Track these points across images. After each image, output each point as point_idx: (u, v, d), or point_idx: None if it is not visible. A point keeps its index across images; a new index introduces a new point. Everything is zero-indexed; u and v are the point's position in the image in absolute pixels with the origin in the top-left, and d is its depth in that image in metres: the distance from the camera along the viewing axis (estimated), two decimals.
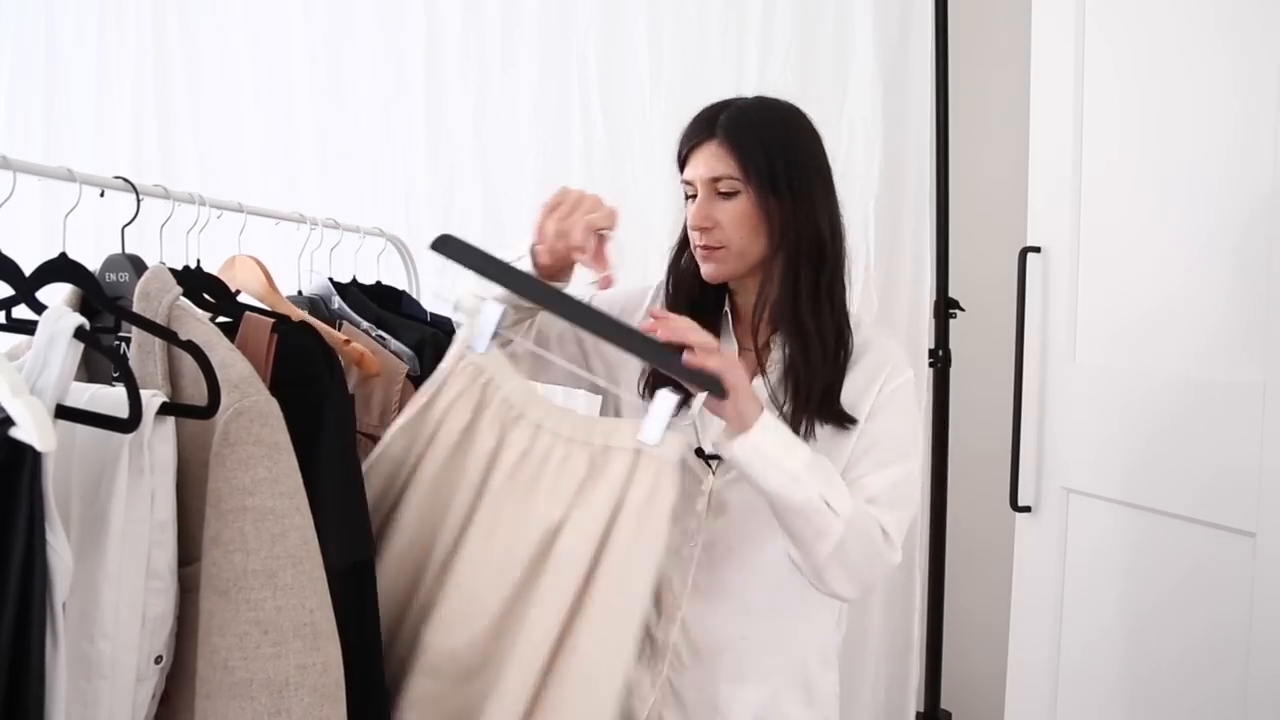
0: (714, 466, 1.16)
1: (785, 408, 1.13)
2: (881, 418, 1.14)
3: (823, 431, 1.13)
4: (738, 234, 1.13)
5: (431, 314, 1.54)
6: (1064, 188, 1.49)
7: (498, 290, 1.04)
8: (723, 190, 1.13)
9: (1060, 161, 1.50)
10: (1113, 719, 1.37)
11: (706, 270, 1.16)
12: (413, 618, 1.03)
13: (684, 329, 0.99)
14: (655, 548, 0.96)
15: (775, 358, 1.17)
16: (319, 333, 1.08)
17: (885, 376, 1.15)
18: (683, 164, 1.17)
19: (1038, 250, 1.54)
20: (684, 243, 1.21)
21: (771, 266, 1.15)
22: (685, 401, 0.98)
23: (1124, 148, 1.39)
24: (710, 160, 1.13)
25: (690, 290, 1.21)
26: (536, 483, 0.99)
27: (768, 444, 1.00)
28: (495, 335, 1.03)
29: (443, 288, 1.06)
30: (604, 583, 0.97)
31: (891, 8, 1.94)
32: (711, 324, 1.17)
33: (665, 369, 0.98)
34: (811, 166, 1.16)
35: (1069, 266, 1.48)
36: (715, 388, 0.97)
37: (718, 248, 1.14)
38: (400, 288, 1.60)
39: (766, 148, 1.13)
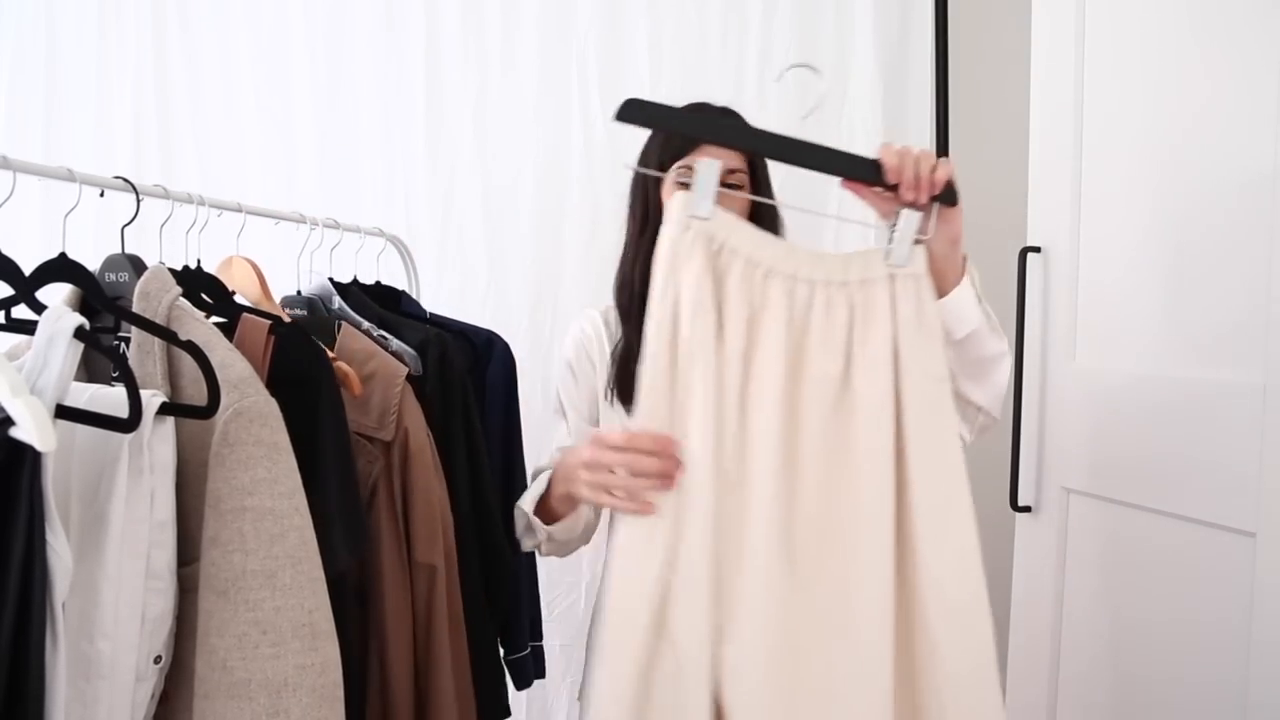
0: None
1: None
2: None
3: None
4: None
5: (431, 314, 1.54)
6: (1064, 188, 1.49)
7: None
8: (730, 183, 1.19)
9: (1060, 161, 1.50)
10: (1112, 718, 1.37)
11: None
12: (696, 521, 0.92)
13: (911, 154, 0.98)
14: (938, 357, 0.96)
15: None
16: (305, 334, 1.08)
17: None
18: (680, 153, 1.20)
19: (1038, 250, 1.54)
20: (641, 244, 1.23)
21: None
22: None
23: (1124, 147, 1.39)
24: (724, 153, 1.17)
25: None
26: (807, 338, 0.95)
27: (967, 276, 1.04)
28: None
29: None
30: (913, 413, 0.94)
31: (891, 8, 1.94)
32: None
33: (887, 188, 0.98)
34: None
35: (1069, 266, 1.48)
36: (952, 197, 0.99)
37: None
38: (400, 288, 1.60)
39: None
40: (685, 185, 1.17)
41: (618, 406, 1.26)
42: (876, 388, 0.94)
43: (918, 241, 0.97)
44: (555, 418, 1.31)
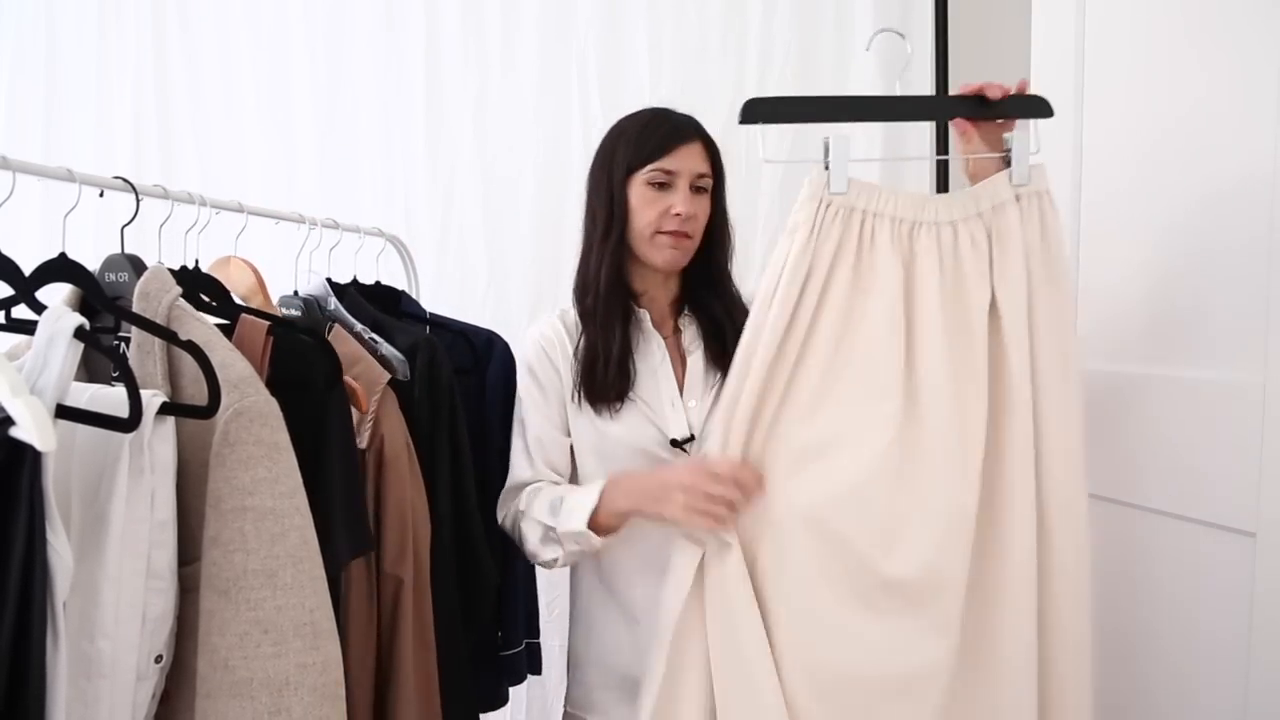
0: (689, 449, 1.26)
1: (716, 379, 1.27)
2: None
3: None
4: (702, 226, 1.29)
5: (431, 314, 1.54)
6: (1064, 187, 1.48)
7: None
8: (699, 186, 1.28)
9: (1060, 162, 1.50)
10: (1112, 718, 1.37)
11: (673, 258, 1.28)
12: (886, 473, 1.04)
13: (991, 84, 1.09)
14: (1064, 281, 1.05)
15: (692, 335, 1.32)
16: (321, 337, 1.08)
17: None
18: (655, 155, 1.26)
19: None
20: (606, 246, 1.27)
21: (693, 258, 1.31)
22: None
23: (1124, 148, 1.39)
24: (696, 158, 1.28)
25: (622, 292, 1.29)
26: (961, 274, 1.03)
27: None
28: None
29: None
30: (1038, 336, 1.03)
31: (891, 8, 1.94)
32: (625, 329, 1.28)
33: (998, 114, 1.07)
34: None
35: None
36: (1046, 109, 1.08)
37: (687, 237, 1.27)
38: (400, 288, 1.60)
39: (719, 156, 1.32)
40: (660, 186, 1.21)
41: (586, 409, 1.28)
42: (1017, 311, 1.03)
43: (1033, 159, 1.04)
44: (516, 426, 1.33)
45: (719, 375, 1.28)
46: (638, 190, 1.26)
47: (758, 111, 1.05)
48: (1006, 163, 1.07)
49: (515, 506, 1.28)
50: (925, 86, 1.94)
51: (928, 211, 1.04)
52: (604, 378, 1.26)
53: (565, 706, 1.39)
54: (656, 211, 1.25)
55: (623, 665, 1.28)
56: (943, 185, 1.78)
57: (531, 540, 1.24)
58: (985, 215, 1.05)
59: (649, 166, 1.25)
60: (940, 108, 1.09)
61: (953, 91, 1.13)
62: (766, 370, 1.04)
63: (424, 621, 1.16)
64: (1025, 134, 1.04)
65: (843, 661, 1.06)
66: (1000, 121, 1.10)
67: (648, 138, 1.27)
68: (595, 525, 1.17)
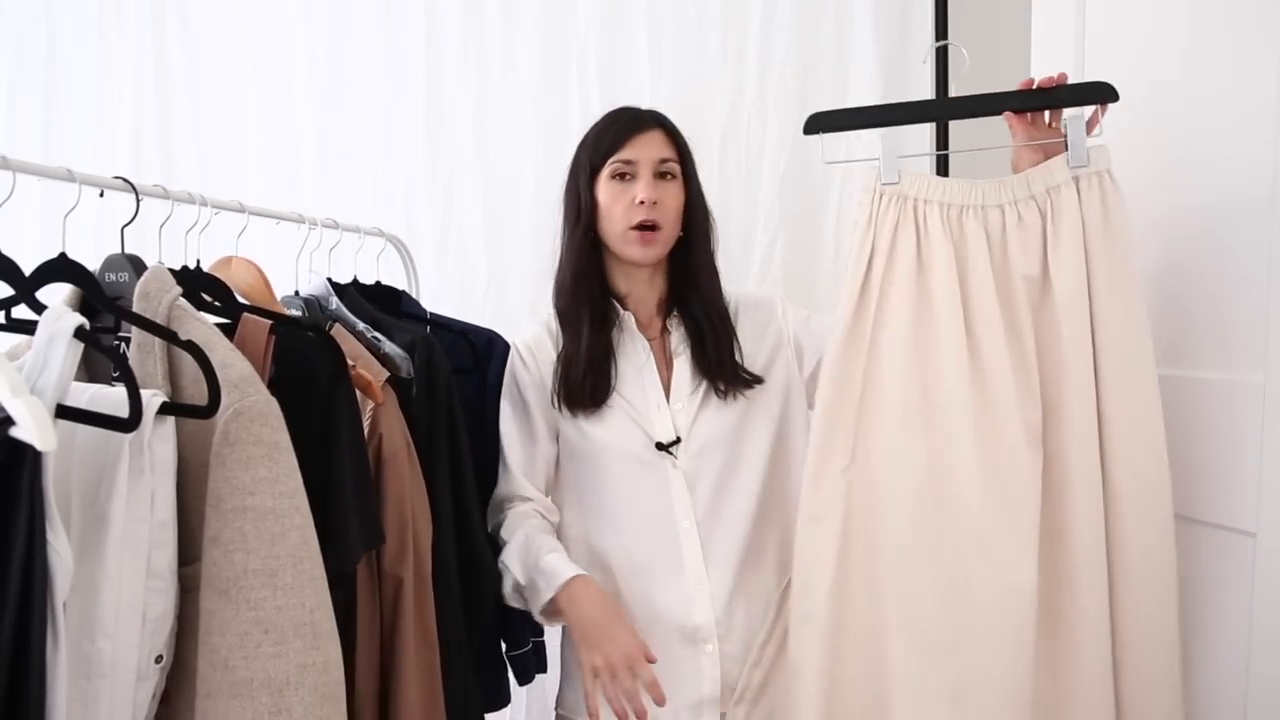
0: (674, 452, 1.26)
1: (702, 382, 1.28)
2: (814, 320, 1.36)
3: (741, 392, 1.29)
4: (672, 214, 1.28)
5: (432, 314, 1.54)
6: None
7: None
8: (662, 172, 1.27)
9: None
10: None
11: (645, 253, 1.28)
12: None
13: (1047, 77, 1.16)
14: (1130, 255, 1.09)
15: (679, 337, 1.32)
16: (326, 334, 1.08)
17: (770, 314, 1.36)
18: (613, 149, 1.27)
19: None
20: (573, 244, 1.30)
21: (672, 252, 1.31)
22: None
23: (1123, 148, 1.39)
24: (657, 144, 1.28)
25: (595, 292, 1.30)
26: (1008, 253, 1.11)
27: None
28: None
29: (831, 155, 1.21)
30: (1101, 307, 1.09)
31: (891, 8, 1.94)
32: (604, 330, 1.29)
33: (1061, 103, 1.14)
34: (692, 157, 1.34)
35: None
36: (1112, 94, 1.13)
37: (655, 229, 1.26)
38: (400, 288, 1.60)
39: (684, 142, 1.32)
40: (623, 177, 1.21)
41: (565, 413, 1.29)
42: (1070, 280, 1.09)
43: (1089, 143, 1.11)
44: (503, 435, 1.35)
45: (705, 380, 1.29)
46: (604, 188, 1.27)
47: (821, 123, 1.19)
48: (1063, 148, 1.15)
49: (499, 533, 1.31)
50: (925, 87, 1.93)
51: (975, 196, 1.14)
52: (579, 381, 1.27)
53: (556, 710, 1.38)
54: (623, 204, 1.25)
55: None
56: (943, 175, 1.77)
57: (507, 586, 1.28)
58: (1039, 198, 1.13)
59: (611, 160, 1.26)
60: (999, 102, 1.16)
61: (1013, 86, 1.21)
62: (840, 361, 1.16)
63: (426, 620, 1.15)
64: (1081, 119, 1.11)
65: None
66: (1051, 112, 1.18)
67: (605, 134, 1.29)
68: (551, 606, 1.22)
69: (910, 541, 1.14)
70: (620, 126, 1.28)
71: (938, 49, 1.82)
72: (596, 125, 1.32)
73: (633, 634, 1.17)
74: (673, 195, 1.28)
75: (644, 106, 1.36)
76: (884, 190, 1.16)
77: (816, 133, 1.18)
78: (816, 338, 1.33)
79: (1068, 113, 1.15)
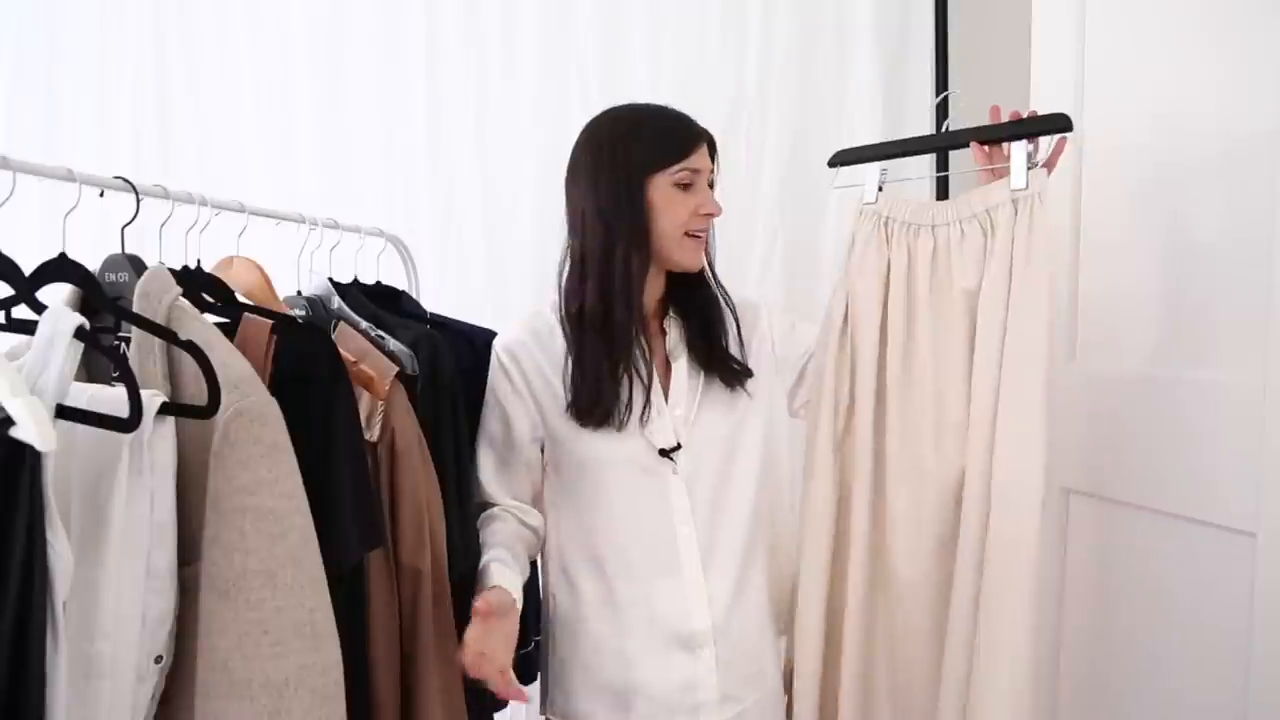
0: (675, 459, 1.25)
1: (700, 382, 1.29)
2: (800, 326, 1.39)
3: (733, 394, 1.30)
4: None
5: (432, 314, 1.54)
6: (1064, 187, 1.48)
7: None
8: (710, 184, 1.29)
9: (1060, 164, 1.49)
10: (1112, 718, 1.37)
11: (698, 261, 1.29)
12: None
13: (1006, 111, 1.24)
14: (1041, 274, 1.16)
15: (676, 339, 1.32)
16: (323, 333, 1.08)
17: (756, 318, 1.38)
18: (681, 155, 1.24)
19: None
20: (634, 250, 1.24)
21: None
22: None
23: (1124, 148, 1.39)
24: (707, 157, 1.28)
25: (639, 305, 1.26)
26: (950, 266, 1.23)
27: None
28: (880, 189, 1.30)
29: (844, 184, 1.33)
30: (1011, 322, 1.18)
31: (891, 8, 1.94)
32: (631, 351, 1.26)
33: (1021, 132, 1.20)
34: None
35: (1069, 266, 1.48)
36: (1066, 124, 1.18)
37: (701, 236, 1.29)
38: (401, 288, 1.60)
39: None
40: (686, 187, 1.21)
41: (572, 423, 1.24)
42: (992, 291, 1.19)
43: (1030, 166, 1.19)
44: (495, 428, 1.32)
45: (702, 380, 1.29)
46: (663, 192, 1.23)
47: (846, 157, 1.33)
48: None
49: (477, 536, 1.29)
50: (925, 87, 1.94)
51: (928, 216, 1.26)
52: (604, 397, 1.22)
53: (545, 714, 1.37)
54: (687, 211, 1.24)
55: (610, 673, 1.27)
56: (943, 198, 1.78)
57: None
58: (979, 216, 1.22)
59: (677, 166, 1.23)
60: (980, 134, 1.28)
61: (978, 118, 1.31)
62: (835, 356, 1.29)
63: (445, 611, 1.16)
64: (1023, 148, 1.20)
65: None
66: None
67: (669, 137, 1.24)
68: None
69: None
70: (685, 134, 1.25)
71: (936, 50, 1.83)
72: (643, 124, 1.26)
73: (497, 641, 1.11)
74: (711, 201, 1.29)
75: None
76: (864, 210, 1.30)
77: (842, 165, 1.33)
78: (799, 348, 1.37)
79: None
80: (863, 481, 1.26)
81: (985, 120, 1.29)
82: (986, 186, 1.23)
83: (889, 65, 1.94)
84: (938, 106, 1.80)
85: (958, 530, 1.21)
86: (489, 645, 1.08)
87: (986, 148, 1.25)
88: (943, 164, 1.72)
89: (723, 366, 1.29)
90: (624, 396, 1.23)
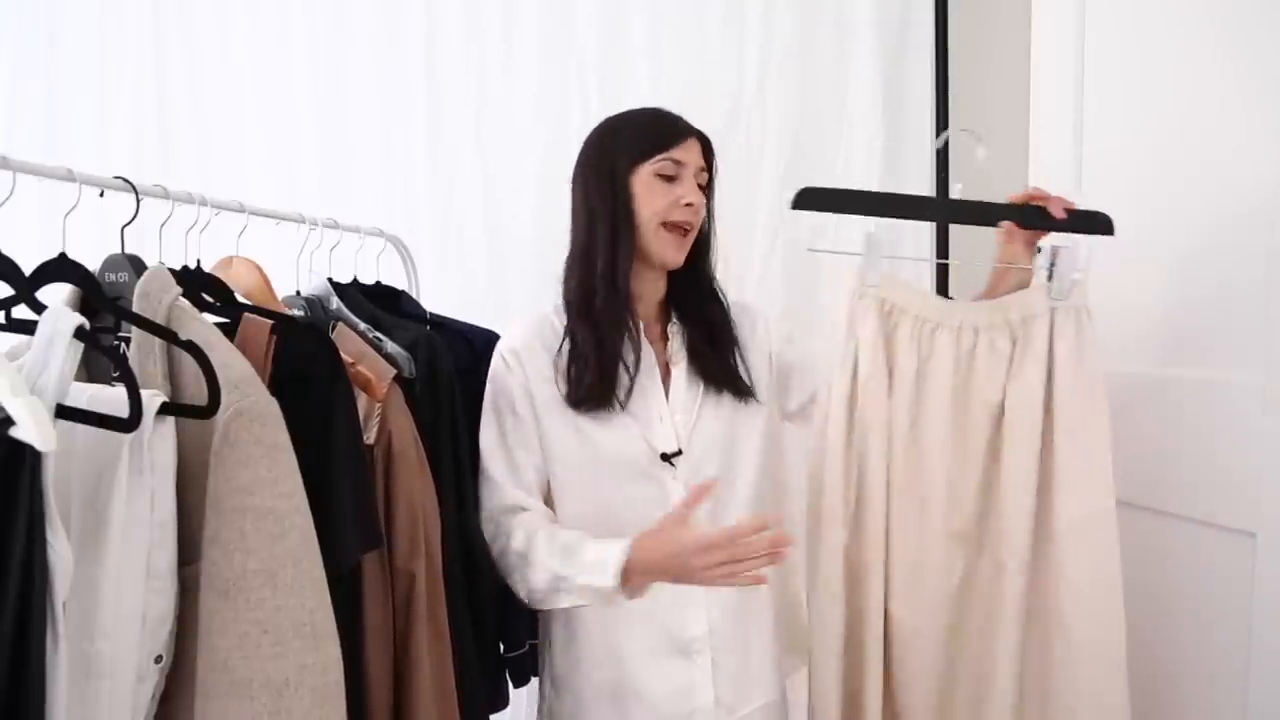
0: (675, 463, 1.25)
1: (700, 390, 1.28)
2: (794, 343, 1.37)
3: (734, 402, 1.29)
4: (699, 222, 1.29)
5: (432, 314, 1.54)
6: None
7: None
8: (699, 182, 1.28)
9: (1060, 162, 1.50)
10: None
11: (678, 256, 1.28)
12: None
13: (1054, 197, 1.19)
14: (1098, 391, 1.10)
15: (678, 345, 1.31)
16: (323, 333, 1.08)
17: (754, 325, 1.37)
18: (662, 147, 1.25)
19: (1038, 250, 1.54)
20: (617, 241, 1.25)
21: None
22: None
23: (1125, 148, 1.39)
24: (697, 153, 1.28)
25: (625, 291, 1.27)
26: (973, 377, 1.12)
27: None
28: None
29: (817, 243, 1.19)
30: (1062, 441, 1.10)
31: (891, 8, 1.94)
32: (620, 335, 1.26)
33: (1060, 228, 1.13)
34: None
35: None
36: (1109, 227, 1.14)
37: (687, 232, 1.27)
38: (400, 288, 1.60)
39: (714, 160, 1.32)
40: (669, 178, 1.20)
41: (572, 416, 1.25)
42: (1026, 413, 1.10)
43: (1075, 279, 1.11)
44: (491, 441, 1.31)
45: (702, 388, 1.28)
46: (644, 181, 1.25)
47: (810, 201, 1.19)
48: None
49: (509, 543, 1.24)
50: (925, 87, 1.93)
51: (954, 316, 1.14)
52: (611, 379, 1.23)
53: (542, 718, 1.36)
54: (666, 201, 1.24)
55: (606, 677, 1.26)
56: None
57: (537, 586, 1.20)
58: (1014, 325, 1.12)
59: (658, 156, 1.24)
60: (996, 213, 1.15)
61: (1015, 193, 1.21)
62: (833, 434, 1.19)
63: (439, 616, 1.15)
64: (1074, 251, 1.11)
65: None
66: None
67: (653, 129, 1.27)
68: (623, 584, 1.15)
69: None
70: (669, 127, 1.27)
71: (936, 50, 1.82)
72: (639, 116, 1.30)
73: (691, 535, 1.13)
74: (703, 201, 1.29)
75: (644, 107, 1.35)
76: (865, 291, 1.16)
77: (806, 210, 1.19)
78: (797, 363, 1.36)
79: (1059, 244, 1.15)
80: (875, 599, 1.18)
81: (978, 123, 1.26)
82: (1025, 293, 1.14)
83: (889, 64, 1.94)
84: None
85: (963, 643, 1.17)
86: (685, 550, 1.11)
87: (1014, 229, 1.16)
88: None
89: (731, 385, 1.29)
90: (610, 377, 1.23)
